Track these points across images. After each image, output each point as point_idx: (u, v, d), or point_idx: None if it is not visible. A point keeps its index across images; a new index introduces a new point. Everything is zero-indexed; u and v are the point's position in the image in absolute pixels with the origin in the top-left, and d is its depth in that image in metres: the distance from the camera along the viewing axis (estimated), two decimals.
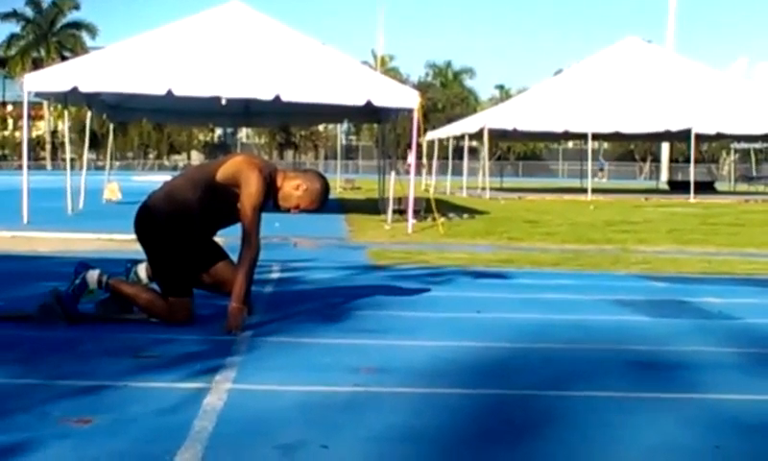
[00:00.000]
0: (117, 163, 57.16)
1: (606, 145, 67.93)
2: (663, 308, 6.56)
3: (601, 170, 59.66)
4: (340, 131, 59.93)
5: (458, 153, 41.10)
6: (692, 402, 3.91)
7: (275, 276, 7.85)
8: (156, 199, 5.43)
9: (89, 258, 5.58)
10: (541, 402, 3.86)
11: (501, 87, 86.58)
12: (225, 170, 5.29)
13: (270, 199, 5.37)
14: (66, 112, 21.37)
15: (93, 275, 5.40)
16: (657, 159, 62.49)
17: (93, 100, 18.64)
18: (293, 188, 5.38)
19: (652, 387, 4.15)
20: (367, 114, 20.37)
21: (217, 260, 5.52)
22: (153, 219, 5.37)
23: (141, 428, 3.29)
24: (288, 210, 5.48)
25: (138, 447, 3.10)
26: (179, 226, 5.32)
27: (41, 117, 75.14)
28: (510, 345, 5.06)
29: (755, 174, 49.29)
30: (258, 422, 3.42)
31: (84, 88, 15.28)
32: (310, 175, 5.54)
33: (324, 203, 5.53)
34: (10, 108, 79.26)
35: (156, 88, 15.23)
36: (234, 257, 5.32)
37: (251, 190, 5.20)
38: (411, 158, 18.54)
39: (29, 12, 76.92)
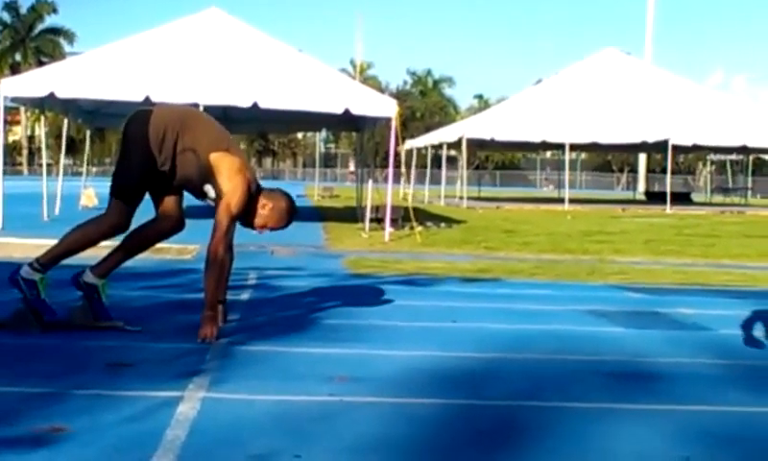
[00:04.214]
0: (94, 169, 56.89)
1: (583, 155, 68.27)
2: (638, 319, 6.59)
3: (546, 179, 60.36)
4: (318, 139, 59.91)
5: (436, 162, 41.18)
6: (664, 413, 3.93)
7: (251, 283, 7.84)
8: (157, 119, 5.31)
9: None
10: (514, 413, 3.87)
11: (480, 97, 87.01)
12: (218, 161, 5.23)
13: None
14: (43, 118, 21.25)
15: (25, 268, 5.34)
16: (634, 170, 62.82)
17: (70, 106, 18.55)
18: (259, 207, 5.38)
19: (624, 398, 4.17)
20: (345, 123, 20.37)
21: (170, 194, 5.49)
22: (140, 128, 5.29)
23: (113, 437, 3.27)
24: (254, 229, 5.48)
25: (110, 456, 3.09)
26: (150, 155, 5.26)
27: (18, 122, 74.75)
28: (485, 355, 5.07)
29: (730, 185, 49.67)
30: (232, 431, 3.41)
31: (60, 94, 15.22)
32: (276, 194, 5.50)
33: (290, 221, 5.51)
34: None
35: (133, 95, 15.15)
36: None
37: (234, 202, 5.19)
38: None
39: (6, 16, 76.63)
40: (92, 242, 5.45)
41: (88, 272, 5.43)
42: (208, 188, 5.33)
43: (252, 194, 5.32)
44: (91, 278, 5.41)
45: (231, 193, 5.20)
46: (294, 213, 5.51)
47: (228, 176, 5.23)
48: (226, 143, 5.36)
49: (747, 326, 6.29)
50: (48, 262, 5.38)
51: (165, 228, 5.56)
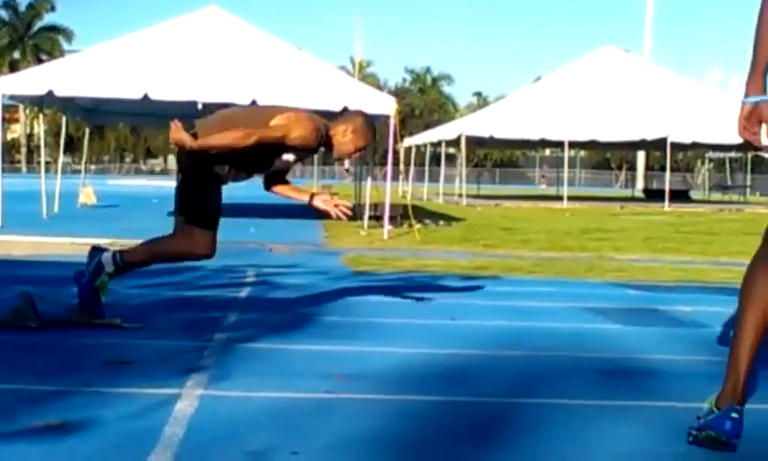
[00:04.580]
0: (93, 167, 56.92)
1: (582, 153, 68.25)
2: (636, 316, 6.60)
3: (543, 177, 60.74)
4: None
5: (435, 159, 41.18)
6: (660, 410, 3.94)
7: (249, 281, 7.84)
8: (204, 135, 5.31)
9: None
10: (510, 409, 3.88)
11: (479, 95, 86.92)
12: (283, 124, 5.25)
13: (320, 148, 5.52)
14: (42, 116, 21.25)
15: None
16: (633, 168, 62.77)
17: (69, 104, 18.56)
18: (341, 135, 5.46)
19: (620, 395, 4.18)
20: None
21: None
22: (193, 155, 5.29)
23: (111, 434, 3.28)
24: (350, 156, 5.70)
25: (108, 452, 3.09)
26: (212, 172, 5.32)
27: (17, 120, 74.68)
28: (483, 352, 5.08)
29: (729, 183, 49.66)
30: (229, 428, 3.42)
31: (59, 92, 15.21)
32: (347, 116, 5.66)
33: (374, 130, 5.70)
34: None
35: (132, 93, 15.18)
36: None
37: (274, 128, 5.20)
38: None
39: (5, 14, 76.55)
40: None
41: (117, 254, 5.41)
42: (289, 157, 5.39)
43: (323, 135, 5.36)
44: (109, 260, 5.38)
45: (277, 127, 5.19)
46: (371, 121, 5.64)
47: (287, 123, 5.24)
48: (272, 110, 5.44)
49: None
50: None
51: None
